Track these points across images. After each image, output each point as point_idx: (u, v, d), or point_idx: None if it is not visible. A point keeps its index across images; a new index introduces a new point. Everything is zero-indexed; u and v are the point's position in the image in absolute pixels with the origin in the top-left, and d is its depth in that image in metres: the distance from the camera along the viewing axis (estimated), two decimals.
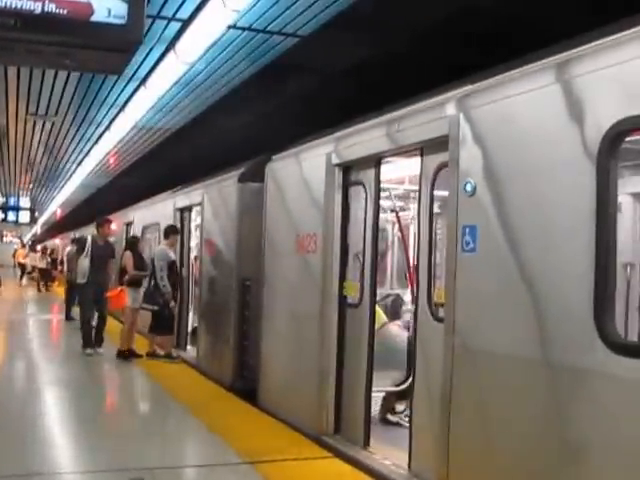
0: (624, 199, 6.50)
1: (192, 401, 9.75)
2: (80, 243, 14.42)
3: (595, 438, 4.44)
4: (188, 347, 14.30)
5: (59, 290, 34.12)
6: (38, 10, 4.99)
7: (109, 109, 14.16)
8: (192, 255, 14.97)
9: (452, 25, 7.80)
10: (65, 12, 5.08)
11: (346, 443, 7.58)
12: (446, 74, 6.32)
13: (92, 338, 13.97)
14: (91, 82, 12.00)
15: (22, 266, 43.51)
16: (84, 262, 13.99)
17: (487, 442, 5.39)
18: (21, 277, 42.24)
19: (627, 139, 4.53)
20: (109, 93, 12.82)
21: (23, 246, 58.37)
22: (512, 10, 7.10)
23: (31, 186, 29.86)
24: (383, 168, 7.77)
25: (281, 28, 8.79)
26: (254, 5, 7.97)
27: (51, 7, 5.03)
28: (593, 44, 4.70)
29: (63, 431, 8.65)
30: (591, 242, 4.39)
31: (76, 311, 20.87)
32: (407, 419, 8.83)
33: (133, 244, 14.53)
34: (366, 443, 7.50)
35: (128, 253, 14.07)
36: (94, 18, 5.17)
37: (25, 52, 5.57)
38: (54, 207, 38.73)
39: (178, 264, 13.96)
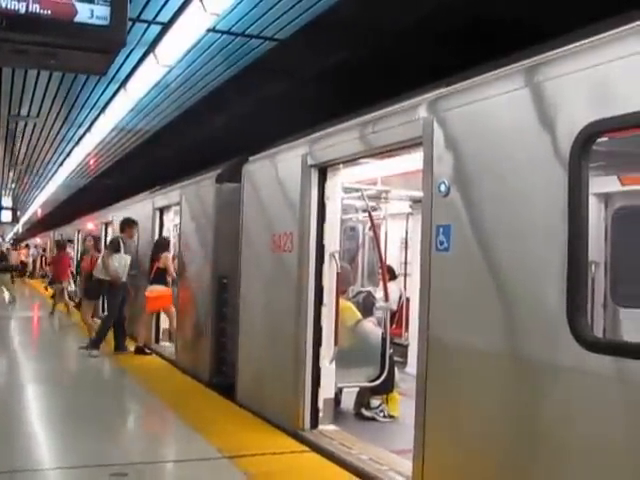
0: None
1: (172, 397, 9.67)
2: (113, 244, 13.81)
3: (566, 432, 4.42)
4: (166, 343, 14.25)
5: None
6: (22, 10, 4.92)
7: (90, 111, 14.09)
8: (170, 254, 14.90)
9: (427, 28, 7.79)
10: (49, 12, 5.02)
11: (323, 437, 7.56)
12: (421, 76, 6.30)
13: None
14: (72, 84, 11.92)
15: (24, 265, 41.67)
16: (126, 260, 13.57)
17: (460, 433, 5.37)
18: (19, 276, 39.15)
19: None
20: (90, 95, 12.75)
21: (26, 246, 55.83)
22: (487, 11, 7.10)
23: (13, 185, 29.65)
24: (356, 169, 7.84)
25: (260, 31, 8.77)
26: (233, 9, 7.94)
27: (35, 7, 4.96)
28: (564, 48, 4.68)
29: (46, 427, 8.55)
30: (563, 241, 4.37)
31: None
32: (382, 414, 8.87)
33: (168, 245, 14.05)
34: (314, 425, 7.72)
35: (168, 254, 13.61)
36: (77, 19, 5.10)
37: (11, 52, 5.50)
38: (36, 206, 38.47)
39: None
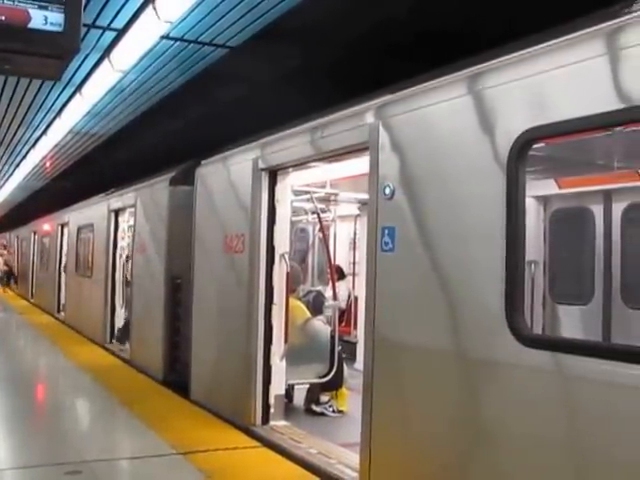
0: (527, 202, 6.60)
1: (126, 395, 9.59)
2: None
3: (505, 424, 4.48)
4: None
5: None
6: None
7: (46, 114, 13.93)
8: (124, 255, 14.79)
9: (374, 37, 7.85)
10: (2, 18, 4.93)
11: (274, 433, 7.57)
12: (368, 84, 6.34)
13: None
14: (28, 87, 11.76)
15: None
16: None
17: (405, 427, 5.41)
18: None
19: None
20: (46, 98, 12.61)
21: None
22: (430, 23, 7.18)
23: None
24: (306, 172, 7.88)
25: (212, 39, 8.76)
26: (186, 17, 7.92)
27: None
28: (502, 58, 4.74)
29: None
30: (501, 242, 4.43)
31: None
32: (331, 409, 8.91)
33: None
34: (265, 421, 7.76)
35: None
36: (31, 25, 5.02)
37: None
38: None
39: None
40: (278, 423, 7.81)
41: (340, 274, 12.86)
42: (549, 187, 9.04)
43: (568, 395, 4.11)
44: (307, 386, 9.15)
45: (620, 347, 4.56)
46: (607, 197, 8.85)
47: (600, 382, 3.84)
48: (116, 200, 14.53)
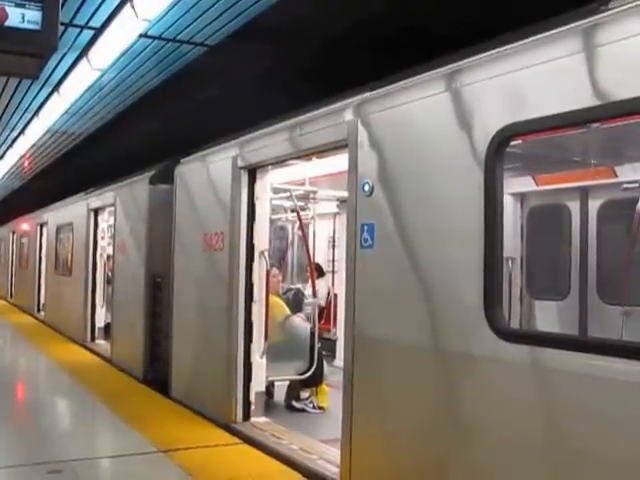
0: (505, 199, 6.63)
1: (107, 393, 9.54)
2: None
3: (484, 418, 4.50)
4: (101, 341, 14.09)
5: None
6: None
7: (23, 113, 13.83)
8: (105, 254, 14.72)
9: (351, 35, 7.86)
10: None
11: (255, 429, 7.56)
12: (346, 81, 6.33)
13: None
14: (5, 87, 11.67)
15: None
16: None
17: (385, 422, 5.42)
18: None
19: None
20: (23, 98, 12.52)
21: None
22: (404, 20, 7.19)
23: None
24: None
25: (190, 37, 8.73)
26: (164, 15, 7.90)
27: None
28: (479, 56, 4.75)
29: None
30: (480, 239, 4.44)
31: None
32: (311, 406, 8.91)
33: None
34: (246, 418, 7.75)
35: None
36: (8, 23, 4.97)
37: None
38: None
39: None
40: (259, 420, 7.81)
41: (319, 272, 12.87)
42: (526, 184, 9.09)
43: (546, 388, 4.13)
44: (287, 383, 9.15)
45: (597, 341, 4.59)
46: (583, 194, 8.90)
47: (577, 375, 3.87)
48: (95, 199, 14.46)
